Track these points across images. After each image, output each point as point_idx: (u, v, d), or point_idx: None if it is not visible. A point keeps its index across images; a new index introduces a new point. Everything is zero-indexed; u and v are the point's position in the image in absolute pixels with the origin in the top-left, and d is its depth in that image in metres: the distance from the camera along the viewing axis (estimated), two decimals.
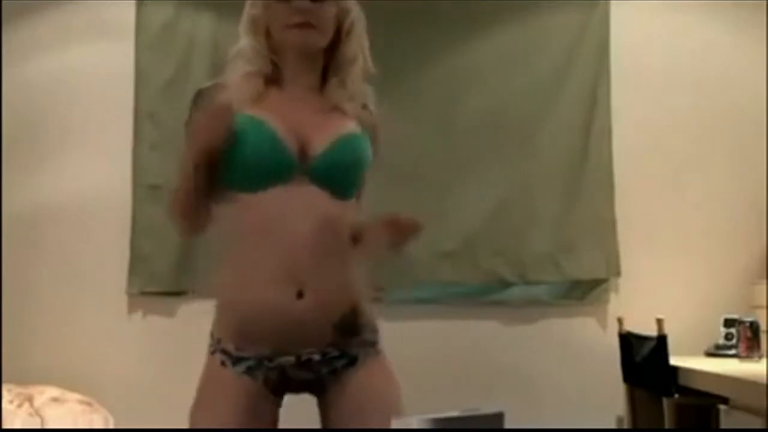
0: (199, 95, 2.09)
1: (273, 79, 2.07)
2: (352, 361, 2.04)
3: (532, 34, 4.30)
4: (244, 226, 2.00)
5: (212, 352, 2.04)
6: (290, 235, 1.95)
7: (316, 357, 2.01)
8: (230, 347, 2.01)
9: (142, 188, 4.13)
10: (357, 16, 2.09)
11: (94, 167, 4.17)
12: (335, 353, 2.02)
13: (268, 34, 2.06)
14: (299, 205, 1.97)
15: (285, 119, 2.00)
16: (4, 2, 4.10)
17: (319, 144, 2.00)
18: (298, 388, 2.07)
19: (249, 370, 2.01)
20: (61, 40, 4.21)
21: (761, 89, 4.28)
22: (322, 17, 2.03)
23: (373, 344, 2.07)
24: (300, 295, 1.95)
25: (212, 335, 2.06)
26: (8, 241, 4.08)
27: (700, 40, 4.36)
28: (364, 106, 2.12)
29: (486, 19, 4.29)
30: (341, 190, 2.02)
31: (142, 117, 4.17)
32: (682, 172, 4.32)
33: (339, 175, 2.02)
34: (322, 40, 2.05)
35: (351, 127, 2.07)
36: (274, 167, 1.97)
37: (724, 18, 4.37)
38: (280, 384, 2.04)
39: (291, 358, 2.00)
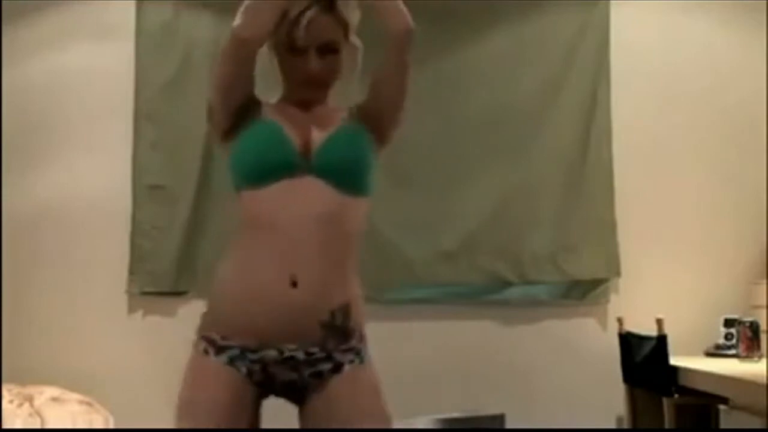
0: None
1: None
2: (338, 368, 2.02)
3: (532, 34, 4.30)
4: (247, 219, 2.05)
5: (197, 340, 2.06)
6: (289, 227, 1.99)
7: (300, 355, 2.00)
8: (216, 336, 2.03)
9: (142, 188, 4.13)
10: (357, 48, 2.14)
11: (94, 167, 4.17)
12: (320, 355, 2.01)
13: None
14: (302, 198, 2.00)
15: (288, 120, 2.07)
16: (4, 2, 4.10)
17: (320, 138, 2.05)
18: (281, 389, 2.06)
19: (231, 361, 2.01)
20: (61, 40, 4.21)
21: (761, 89, 4.28)
22: (331, 72, 2.09)
23: (359, 353, 2.05)
24: (294, 284, 1.97)
25: (200, 325, 2.08)
26: (8, 241, 4.08)
27: (700, 40, 4.37)
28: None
29: (486, 19, 4.29)
30: (346, 181, 2.04)
31: (142, 117, 4.16)
32: (682, 172, 4.32)
33: (341, 165, 2.05)
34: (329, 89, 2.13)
35: (350, 122, 2.13)
36: (278, 162, 2.02)
37: (724, 18, 4.37)
38: (264, 381, 2.03)
39: (274, 352, 1.99)
